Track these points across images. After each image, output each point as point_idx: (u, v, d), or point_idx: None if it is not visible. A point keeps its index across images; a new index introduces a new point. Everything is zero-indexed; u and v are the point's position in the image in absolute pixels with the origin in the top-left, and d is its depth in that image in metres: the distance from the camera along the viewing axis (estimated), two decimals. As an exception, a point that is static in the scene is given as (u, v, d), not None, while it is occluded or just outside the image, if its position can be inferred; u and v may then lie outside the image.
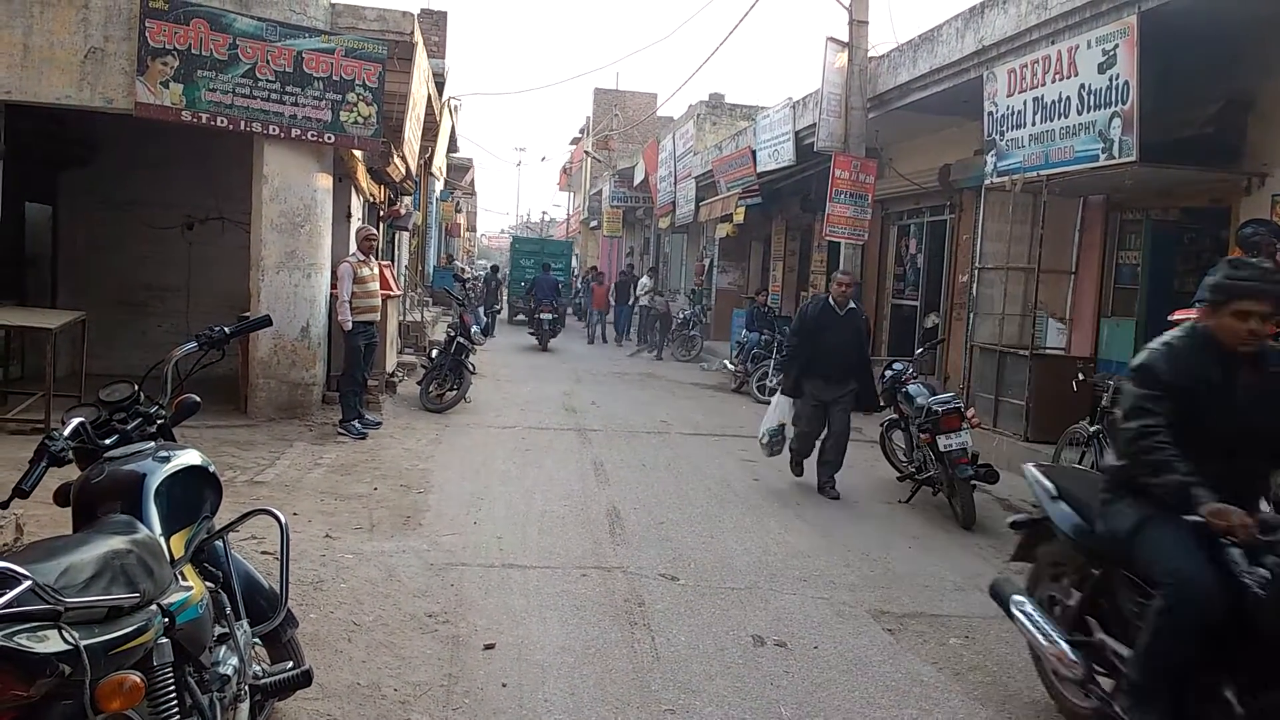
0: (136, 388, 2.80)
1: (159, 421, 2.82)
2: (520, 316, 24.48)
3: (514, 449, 9.09)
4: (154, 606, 2.10)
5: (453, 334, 11.51)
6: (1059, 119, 8.53)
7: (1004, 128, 9.48)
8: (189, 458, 2.70)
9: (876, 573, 5.88)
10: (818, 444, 8.02)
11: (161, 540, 2.37)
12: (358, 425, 9.09)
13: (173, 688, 2.11)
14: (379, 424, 9.55)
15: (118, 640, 1.94)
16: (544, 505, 6.99)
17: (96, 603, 1.91)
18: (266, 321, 3.33)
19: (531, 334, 20.48)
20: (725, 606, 5.07)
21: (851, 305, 8.11)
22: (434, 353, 11.87)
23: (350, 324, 9.20)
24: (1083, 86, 8.15)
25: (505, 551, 5.80)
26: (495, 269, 28.87)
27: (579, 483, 7.81)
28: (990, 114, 9.71)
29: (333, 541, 5.71)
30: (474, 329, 11.53)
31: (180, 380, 2.98)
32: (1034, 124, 8.93)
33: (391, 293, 11.15)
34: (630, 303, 23.07)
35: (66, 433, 2.46)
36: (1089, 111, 8.11)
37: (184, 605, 2.23)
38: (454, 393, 11.07)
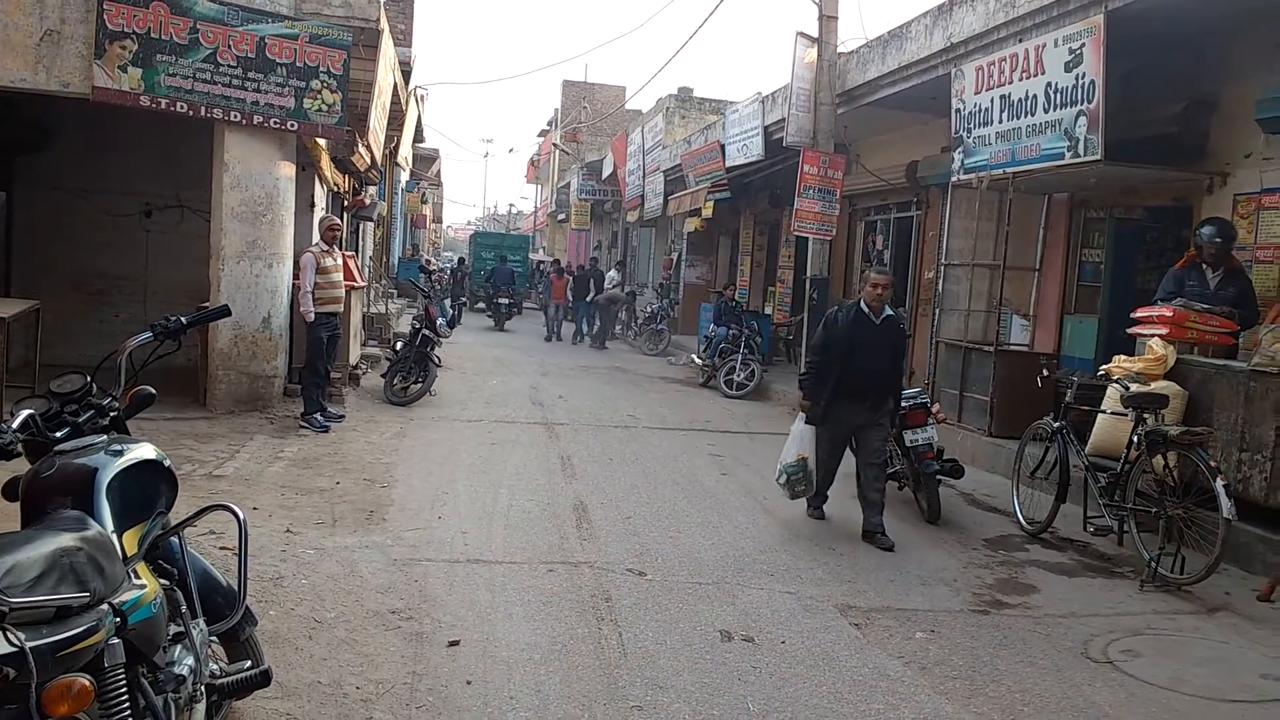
0: (89, 379, 2.70)
1: (112, 414, 2.72)
2: (480, 304, 26.19)
3: (480, 443, 9.00)
4: (105, 606, 2.02)
5: (418, 326, 11.39)
6: (1026, 117, 8.59)
7: (971, 125, 9.54)
8: (143, 451, 2.61)
9: (843, 567, 5.88)
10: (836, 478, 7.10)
11: (113, 537, 2.29)
12: (320, 418, 8.96)
13: (125, 690, 2.03)
14: (342, 417, 9.42)
15: (66, 641, 1.86)
16: (510, 500, 6.92)
17: (44, 602, 1.83)
18: (225, 311, 3.23)
19: (489, 316, 23.74)
20: (693, 602, 5.04)
21: (889, 311, 6.88)
22: (399, 345, 11.73)
23: (313, 315, 9.05)
24: (1049, 85, 8.21)
25: (470, 547, 5.73)
26: (462, 260, 28.97)
27: (545, 477, 7.74)
28: (958, 111, 9.76)
29: (294, 537, 5.60)
30: (439, 321, 11.40)
31: (135, 371, 2.89)
32: (1001, 121, 8.98)
33: (355, 284, 11.00)
34: (589, 298, 21.01)
35: (15, 425, 2.37)
36: (1055, 110, 8.17)
37: (137, 604, 2.14)
38: (419, 386, 10.95)
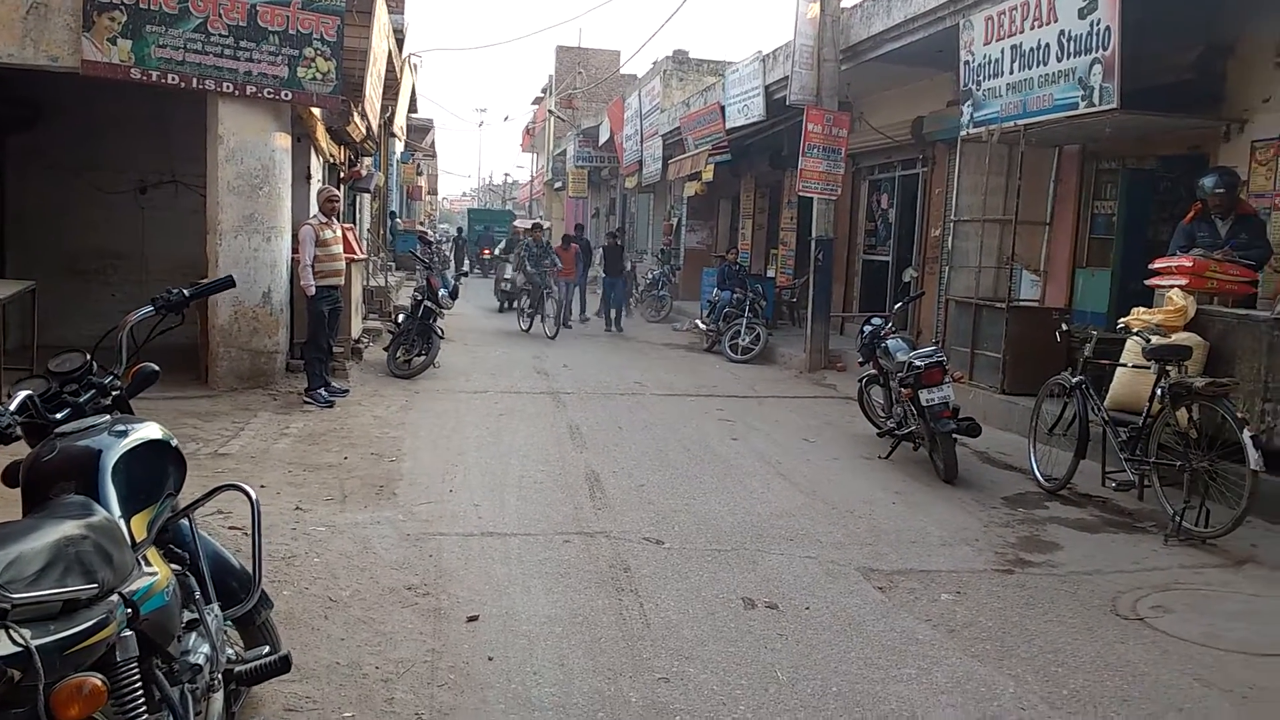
0: (88, 357, 2.58)
1: (114, 393, 2.60)
2: (476, 270, 31.33)
3: (487, 414, 8.90)
4: (115, 597, 1.90)
5: (419, 297, 11.24)
6: (1038, 66, 8.38)
7: (981, 77, 9.32)
8: (148, 431, 2.49)
9: (862, 530, 5.79)
10: None
11: (121, 522, 2.17)
12: (324, 393, 8.85)
13: (139, 684, 1.92)
14: (346, 391, 9.30)
15: (76, 637, 1.74)
16: (521, 470, 6.82)
17: (49, 597, 1.71)
18: (229, 282, 3.10)
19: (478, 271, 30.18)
20: (713, 569, 4.95)
21: None
22: (401, 318, 11.59)
23: (313, 289, 8.91)
24: (1062, 33, 8.00)
25: (484, 519, 5.63)
26: (460, 230, 29.49)
27: (555, 447, 7.64)
28: (967, 63, 9.54)
29: (304, 514, 5.51)
30: (441, 292, 11.25)
31: (137, 348, 2.76)
32: (1012, 72, 8.77)
33: (355, 256, 10.84)
34: (626, 271, 19.04)
35: (12, 407, 2.24)
36: (1069, 58, 7.97)
37: (149, 593, 2.03)
38: (422, 358, 10.82)
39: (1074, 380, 6.75)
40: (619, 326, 17.22)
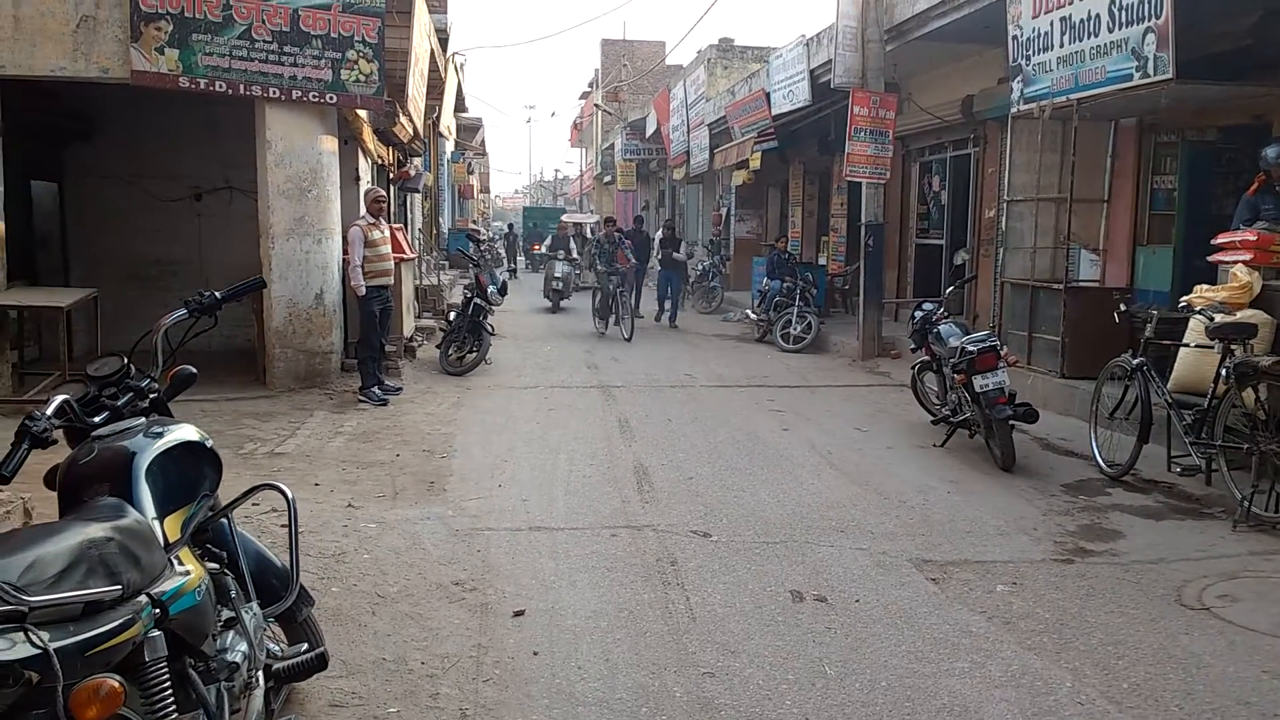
0: (126, 361, 2.61)
1: (152, 396, 2.63)
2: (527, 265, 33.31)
3: (537, 409, 8.92)
4: (143, 598, 1.92)
5: (469, 295, 11.32)
6: (1089, 38, 8.12)
7: (1030, 52, 9.07)
8: (183, 433, 2.51)
9: (915, 520, 5.67)
10: None
11: (155, 523, 2.19)
12: (377, 392, 8.95)
13: (168, 684, 1.93)
14: (399, 390, 9.40)
15: (97, 639, 1.76)
16: (569, 465, 6.82)
17: (68, 599, 1.73)
18: (260, 283, 3.13)
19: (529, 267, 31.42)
20: (761, 562, 4.89)
21: None
22: (452, 315, 11.68)
23: (364, 289, 9.02)
24: (1113, 2, 7.72)
25: (532, 514, 5.64)
26: (511, 226, 29.63)
27: (604, 441, 7.63)
28: (1015, 38, 9.29)
29: (355, 511, 5.56)
30: (490, 289, 11.31)
31: (172, 350, 2.79)
32: (1062, 45, 8.51)
33: (405, 256, 10.94)
34: (682, 263, 18.05)
35: (49, 411, 2.27)
36: (1121, 28, 7.70)
37: (179, 593, 2.04)
38: (474, 355, 10.90)
39: (1135, 362, 6.53)
40: (673, 321, 16.36)
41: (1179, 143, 9.12)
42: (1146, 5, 7.38)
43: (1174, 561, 4.97)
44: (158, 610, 1.94)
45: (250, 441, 7.24)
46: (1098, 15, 7.98)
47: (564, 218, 30.88)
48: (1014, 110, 9.54)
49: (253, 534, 3.18)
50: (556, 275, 19.29)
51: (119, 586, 1.84)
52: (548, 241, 23.05)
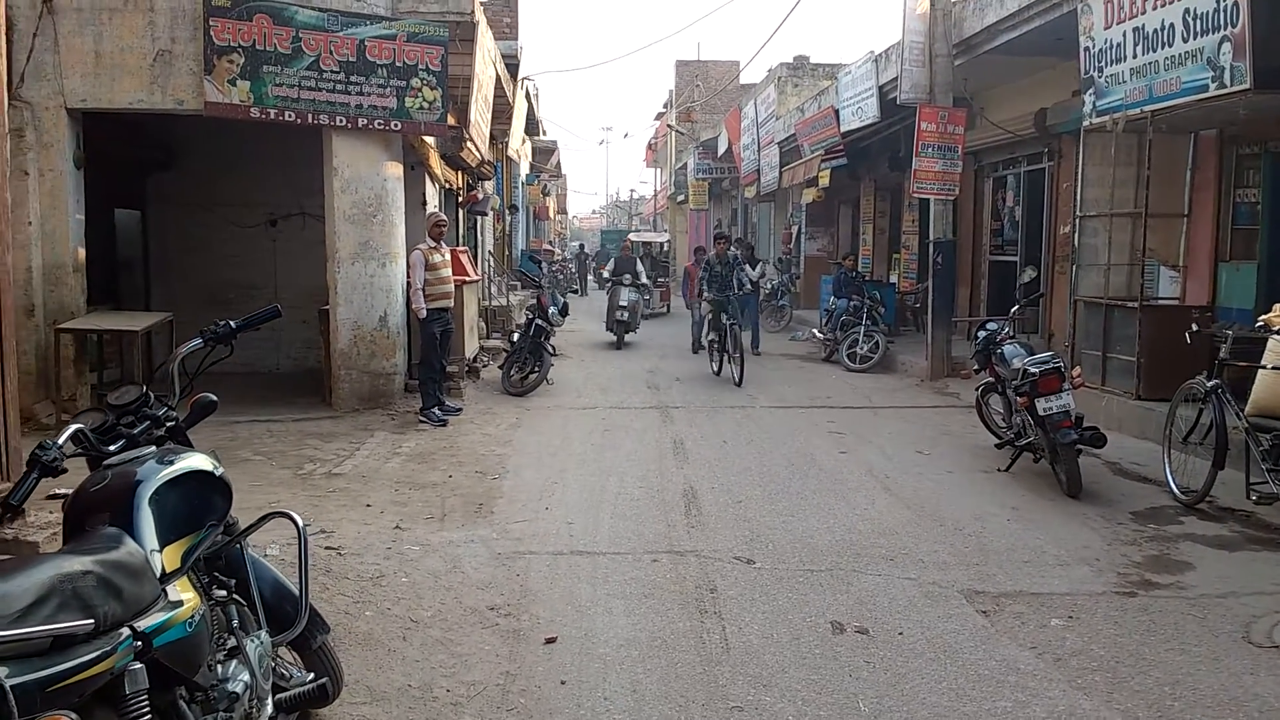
0: (145, 389, 2.67)
1: (169, 424, 2.68)
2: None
3: (593, 430, 8.92)
4: (123, 630, 1.94)
5: (531, 316, 11.41)
6: (1163, 49, 7.82)
7: (1102, 63, 8.78)
8: (193, 461, 2.55)
9: (970, 549, 5.47)
10: None
11: (153, 553, 2.22)
12: (438, 412, 9.06)
13: (147, 716, 1.95)
14: (459, 410, 9.50)
15: (62, 674, 1.77)
16: (619, 487, 6.78)
17: (30, 634, 1.75)
18: (275, 312, 3.17)
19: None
20: (803, 590, 4.77)
21: None
22: (515, 336, 11.79)
23: (425, 311, 9.16)
24: (1187, 11, 7.43)
25: (575, 538, 5.61)
26: (582, 247, 29.66)
27: (657, 462, 7.57)
28: (1086, 50, 9.00)
29: (401, 533, 5.61)
30: (551, 310, 11.39)
31: (190, 378, 2.85)
32: (1135, 56, 8.22)
33: (468, 278, 11.08)
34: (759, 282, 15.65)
35: (60, 440, 2.33)
36: (1195, 38, 7.40)
37: (164, 626, 2.06)
38: (535, 375, 10.97)
39: (1209, 384, 6.22)
40: (755, 347, 14.87)
41: (1262, 154, 8.71)
42: (1221, 14, 7.08)
43: (1244, 595, 4.69)
44: (139, 643, 1.96)
45: (310, 462, 7.38)
46: (1171, 25, 7.69)
47: (631, 236, 26.38)
48: (1086, 123, 9.24)
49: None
50: (622, 303, 16.13)
51: (91, 621, 1.86)
52: (610, 264, 17.91)
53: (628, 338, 16.31)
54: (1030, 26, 10.16)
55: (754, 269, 16.28)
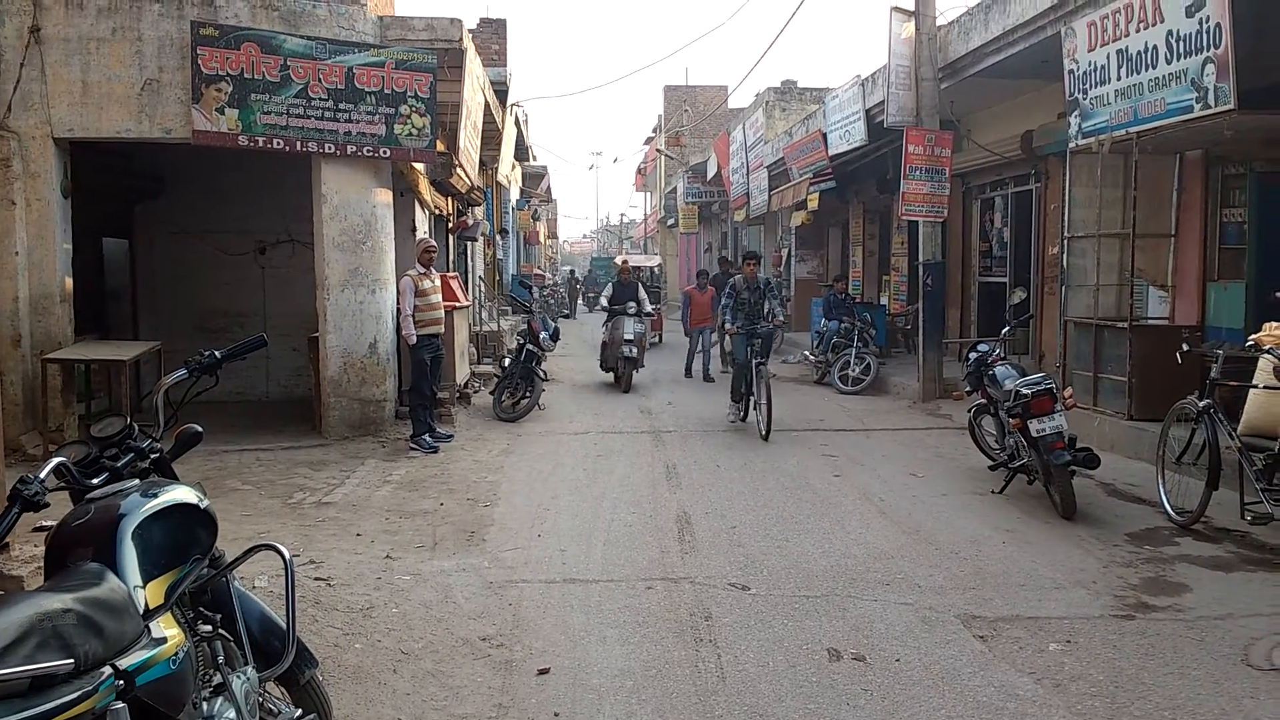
0: (129, 421, 2.63)
1: (153, 456, 2.63)
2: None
3: (585, 455, 8.87)
4: (105, 669, 1.89)
5: (522, 341, 11.38)
6: (1146, 70, 7.89)
7: (1087, 85, 8.85)
8: (178, 494, 2.50)
9: (966, 572, 5.44)
10: None
11: (135, 589, 2.17)
12: (428, 439, 9.00)
13: None
14: (450, 437, 9.44)
15: (45, 714, 1.73)
16: (611, 514, 6.73)
17: (9, 675, 1.70)
18: (260, 342, 3.13)
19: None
20: (799, 617, 4.72)
21: None
22: (506, 361, 11.76)
23: (414, 337, 9.12)
24: (1170, 33, 7.51)
25: (568, 565, 5.56)
26: (572, 271, 29.41)
27: (649, 488, 7.52)
28: (1071, 72, 9.08)
29: (392, 563, 5.55)
30: (542, 335, 11.36)
31: (174, 410, 2.80)
32: (1119, 79, 8.29)
33: (458, 304, 11.06)
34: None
35: (42, 474, 2.28)
36: (1179, 60, 7.47)
37: (147, 664, 2.01)
38: (526, 401, 10.93)
39: (1201, 404, 6.22)
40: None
41: (1248, 174, 8.77)
42: (1205, 35, 7.15)
43: (1242, 617, 4.66)
44: (121, 682, 1.91)
45: (300, 491, 7.31)
46: (1155, 47, 7.76)
47: (619, 259, 19.61)
48: (1072, 145, 9.30)
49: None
50: (627, 336, 13.35)
51: (71, 660, 1.81)
52: (607, 291, 14.68)
53: (635, 376, 13.60)
54: (1015, 50, 10.25)
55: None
